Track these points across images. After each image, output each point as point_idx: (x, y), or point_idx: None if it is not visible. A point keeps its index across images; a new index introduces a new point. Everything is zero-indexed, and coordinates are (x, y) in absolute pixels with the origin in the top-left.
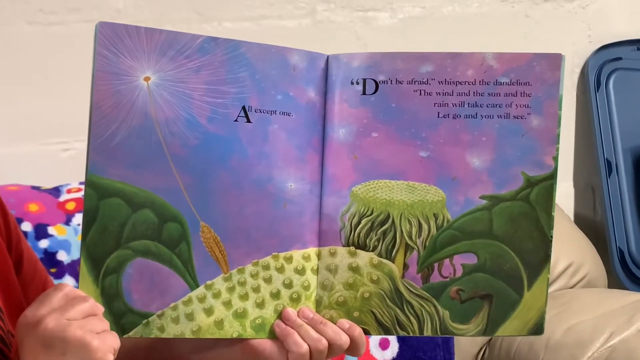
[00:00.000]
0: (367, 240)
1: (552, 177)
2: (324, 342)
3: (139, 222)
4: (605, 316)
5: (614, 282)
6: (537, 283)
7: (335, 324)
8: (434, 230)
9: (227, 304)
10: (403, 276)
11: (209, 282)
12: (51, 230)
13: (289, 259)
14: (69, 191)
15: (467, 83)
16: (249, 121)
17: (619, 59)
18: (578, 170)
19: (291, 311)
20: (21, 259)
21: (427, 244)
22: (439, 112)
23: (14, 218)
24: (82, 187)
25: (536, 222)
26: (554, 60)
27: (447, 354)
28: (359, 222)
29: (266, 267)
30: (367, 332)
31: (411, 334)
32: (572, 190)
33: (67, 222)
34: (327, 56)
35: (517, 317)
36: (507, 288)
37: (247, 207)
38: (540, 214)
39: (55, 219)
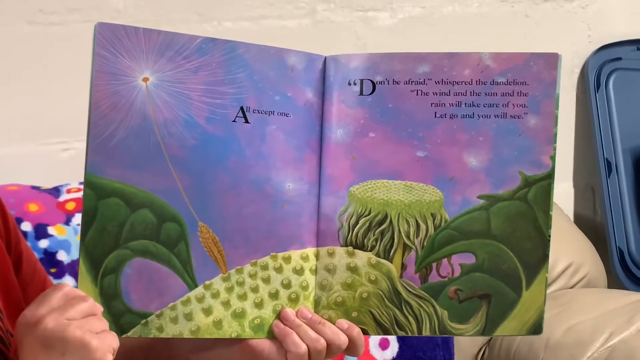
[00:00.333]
0: (365, 240)
1: (550, 176)
2: (323, 342)
3: (137, 222)
4: (605, 316)
5: (613, 282)
6: (535, 283)
7: (333, 324)
8: (431, 230)
9: (226, 304)
10: (401, 276)
11: (207, 282)
12: (51, 230)
13: (288, 259)
14: (68, 191)
15: (464, 83)
16: (247, 122)
17: (619, 59)
18: (578, 171)
19: (290, 311)
20: (20, 259)
21: (425, 243)
22: (436, 112)
23: (14, 218)
24: (82, 187)
25: (534, 221)
26: (551, 60)
27: (447, 354)
28: (357, 222)
29: (265, 267)
30: (365, 332)
31: (410, 334)
32: (572, 191)
33: (67, 222)
34: (325, 57)
35: (516, 317)
36: (505, 288)
37: (245, 208)
38: (538, 213)
39: (55, 219)
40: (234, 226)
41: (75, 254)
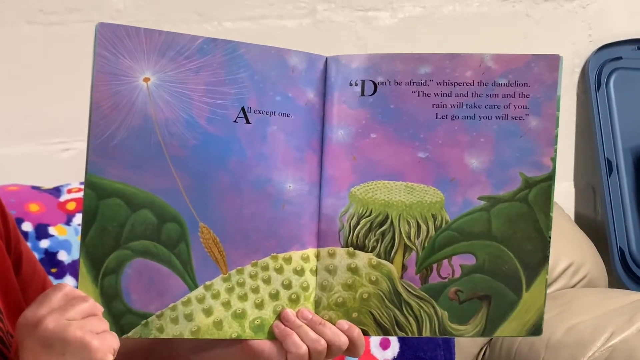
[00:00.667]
0: (366, 241)
1: (550, 178)
2: (323, 343)
3: (138, 222)
4: (605, 316)
5: (614, 282)
6: (535, 284)
7: (334, 324)
8: (432, 231)
9: (226, 304)
10: (402, 277)
11: (208, 283)
12: (52, 230)
13: (288, 260)
14: (69, 191)
15: (465, 84)
16: (248, 122)
17: (620, 58)
18: (578, 170)
19: (290, 312)
20: (20, 259)
21: (426, 244)
22: (437, 113)
23: (13, 219)
24: (83, 187)
25: (534, 223)
26: (552, 62)
27: (448, 354)
28: (357, 223)
29: (265, 268)
30: (366, 333)
31: (410, 335)
32: (572, 190)
33: (68, 222)
34: (326, 57)
35: (516, 318)
36: (505, 289)
37: (246, 208)
38: (539, 214)
39: (56, 219)
40: (234, 226)
41: (76, 254)
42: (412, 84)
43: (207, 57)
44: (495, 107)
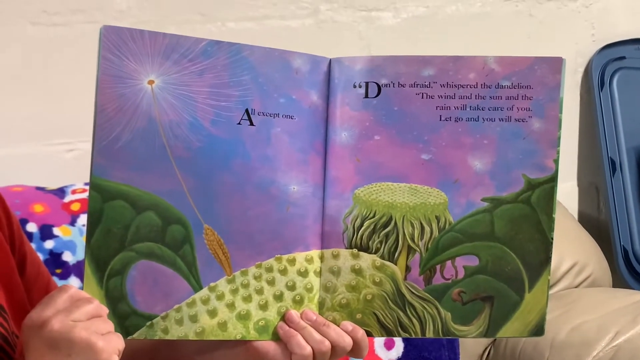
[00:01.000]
0: (370, 243)
1: (553, 179)
2: (327, 344)
3: (142, 224)
4: (610, 316)
5: (618, 282)
6: (538, 285)
7: (338, 325)
8: (436, 232)
9: (231, 305)
10: (405, 278)
11: (212, 284)
12: (56, 231)
13: (292, 261)
14: (73, 192)
15: (468, 86)
16: (252, 124)
17: (623, 58)
18: (582, 170)
19: (294, 313)
20: (24, 260)
21: (429, 246)
22: (440, 115)
23: (18, 220)
24: (87, 188)
25: (537, 224)
26: (555, 64)
27: (452, 354)
28: (361, 225)
29: (269, 270)
30: (369, 334)
31: (413, 336)
32: (576, 190)
33: (72, 222)
34: (330, 59)
35: (518, 319)
36: (508, 290)
37: (250, 210)
38: (541, 216)
39: (61, 219)
40: (238, 228)
41: (80, 254)
42: (415, 86)
43: (211, 60)
44: (499, 109)
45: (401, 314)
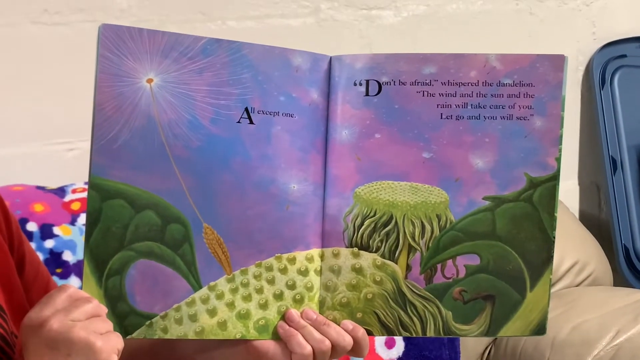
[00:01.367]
0: (370, 242)
1: (555, 178)
2: (327, 344)
3: (142, 223)
4: (611, 314)
5: (619, 280)
6: (539, 284)
7: (338, 325)
8: (437, 231)
9: (231, 305)
10: (406, 277)
11: (212, 284)
12: (56, 230)
13: (292, 260)
14: (74, 191)
15: (470, 84)
16: (251, 123)
17: (624, 56)
18: (583, 168)
19: (294, 312)
20: (23, 260)
21: (430, 245)
22: (442, 114)
23: (17, 220)
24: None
25: (539, 223)
26: (557, 62)
27: (453, 353)
28: (362, 223)
29: (269, 269)
30: (370, 333)
31: (414, 335)
32: (577, 188)
33: (73, 222)
34: (330, 57)
35: (520, 318)
36: (509, 289)
37: (250, 209)
38: (543, 215)
39: (61, 219)
40: (238, 227)
41: (80, 254)
42: (416, 84)
43: (210, 58)
44: (500, 107)
45: (402, 313)
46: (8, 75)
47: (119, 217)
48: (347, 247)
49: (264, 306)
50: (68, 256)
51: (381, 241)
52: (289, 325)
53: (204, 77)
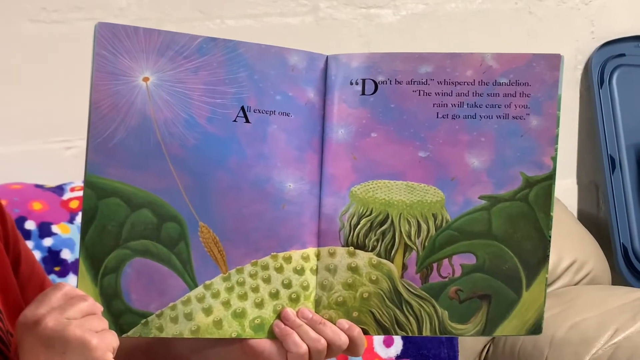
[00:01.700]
0: (366, 241)
1: (551, 177)
2: (323, 343)
3: (137, 222)
4: (609, 313)
5: (617, 279)
6: (535, 283)
7: (334, 324)
8: (433, 230)
9: (226, 303)
10: (402, 276)
11: (207, 282)
12: (55, 228)
13: (288, 259)
14: (72, 189)
15: (466, 83)
16: (247, 121)
17: (623, 55)
18: (581, 167)
19: (290, 311)
20: (19, 258)
21: (426, 244)
22: (438, 113)
23: (12, 218)
24: None
25: (535, 222)
26: (553, 61)
27: (451, 351)
28: (358, 223)
29: (265, 267)
30: (366, 332)
31: (410, 334)
32: (575, 187)
33: (71, 220)
34: (327, 56)
35: (516, 317)
36: (505, 288)
37: (246, 208)
38: (539, 214)
39: (59, 217)
40: (234, 226)
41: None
42: (412, 83)
43: (206, 57)
44: (496, 106)
45: (398, 312)
46: (6, 73)
47: (115, 215)
48: (343, 246)
49: (259, 305)
50: (66, 254)
51: (377, 240)
52: (285, 324)
53: (200, 75)
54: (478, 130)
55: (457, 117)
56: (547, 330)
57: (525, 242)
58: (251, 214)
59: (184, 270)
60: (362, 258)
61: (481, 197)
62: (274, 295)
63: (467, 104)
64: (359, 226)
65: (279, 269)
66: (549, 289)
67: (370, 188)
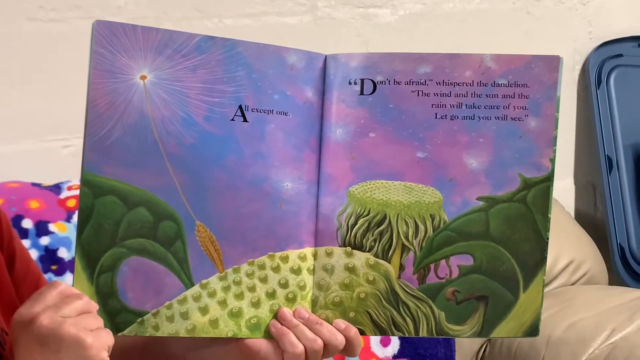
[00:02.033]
0: (364, 241)
1: (549, 179)
2: (320, 343)
3: (134, 220)
4: (606, 313)
5: (614, 279)
6: (533, 285)
7: (331, 324)
8: (430, 231)
9: (223, 303)
10: (399, 277)
11: (204, 281)
12: (52, 227)
13: (285, 259)
14: (69, 188)
15: (465, 84)
16: (245, 120)
17: (620, 55)
18: (579, 167)
19: (287, 311)
20: (13, 257)
21: (424, 244)
22: (436, 113)
23: (7, 216)
24: None
25: (532, 224)
26: (552, 62)
27: (449, 351)
28: (355, 223)
29: (262, 267)
30: (362, 333)
31: (406, 335)
32: (572, 187)
33: (68, 219)
34: (325, 56)
35: (513, 319)
36: (502, 289)
37: (243, 207)
38: (537, 215)
39: (56, 215)
40: (231, 225)
41: None
42: (411, 83)
43: (204, 55)
44: (495, 107)
45: (395, 312)
46: (4, 71)
47: (111, 213)
48: (340, 246)
49: (256, 304)
50: (63, 253)
51: (374, 240)
52: (281, 324)
53: (198, 74)
54: (476, 131)
55: (456, 117)
56: (544, 330)
57: (523, 244)
58: (248, 213)
59: (180, 269)
60: (360, 258)
61: (479, 198)
62: (271, 294)
63: (466, 104)
64: (356, 226)
65: (276, 269)
66: (546, 289)
67: (368, 188)
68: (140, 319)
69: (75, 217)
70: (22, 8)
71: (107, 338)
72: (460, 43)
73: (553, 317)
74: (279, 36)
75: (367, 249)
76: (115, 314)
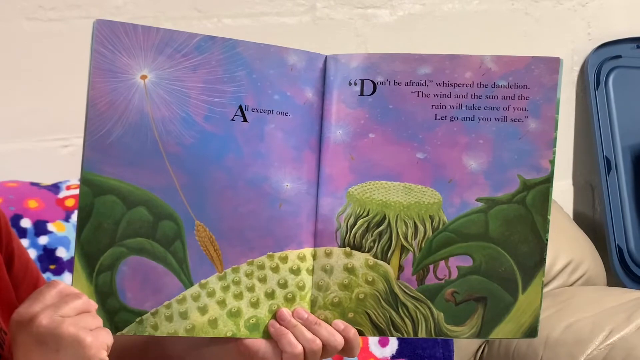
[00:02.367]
0: (363, 241)
1: (549, 180)
2: (318, 343)
3: (133, 219)
4: (604, 314)
5: (612, 280)
6: (531, 286)
7: (329, 324)
8: (429, 232)
9: (222, 303)
10: (398, 278)
11: (203, 281)
12: (50, 226)
13: (284, 259)
14: (68, 188)
15: (465, 85)
16: (245, 120)
17: (619, 57)
18: (577, 169)
19: (286, 311)
20: (12, 256)
21: (423, 245)
22: (436, 114)
23: (5, 216)
24: None
25: (532, 225)
26: (552, 64)
27: (447, 352)
28: (354, 223)
29: (261, 267)
30: (361, 333)
31: (405, 335)
32: (571, 189)
33: (67, 218)
34: (325, 56)
35: (512, 320)
36: (501, 291)
37: (242, 207)
38: (536, 217)
39: (55, 215)
40: (230, 225)
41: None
42: (411, 84)
43: (205, 55)
44: (495, 108)
45: (393, 313)
46: (3, 71)
47: (111, 213)
48: (339, 247)
49: (255, 304)
50: (62, 253)
51: (374, 241)
52: (280, 324)
53: (198, 74)
54: (476, 132)
55: (456, 118)
56: (542, 330)
57: (522, 245)
58: (248, 213)
59: (179, 268)
60: (359, 259)
61: (478, 200)
62: (270, 295)
63: (466, 105)
64: (355, 227)
65: (275, 269)
66: (544, 290)
67: (368, 189)
68: (139, 318)
69: (74, 217)
70: (21, 7)
71: (106, 337)
72: (458, 44)
73: (551, 317)
74: (277, 36)
75: (367, 249)
76: (115, 314)
